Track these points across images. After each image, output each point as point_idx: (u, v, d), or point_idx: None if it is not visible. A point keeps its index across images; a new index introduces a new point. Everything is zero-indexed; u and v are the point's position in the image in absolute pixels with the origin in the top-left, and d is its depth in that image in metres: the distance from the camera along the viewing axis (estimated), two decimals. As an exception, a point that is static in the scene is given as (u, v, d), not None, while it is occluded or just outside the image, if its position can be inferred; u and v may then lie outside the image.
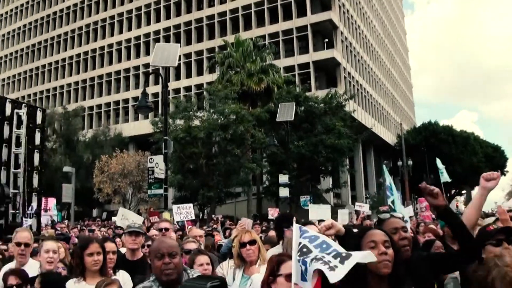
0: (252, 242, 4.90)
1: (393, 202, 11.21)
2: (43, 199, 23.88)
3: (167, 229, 7.28)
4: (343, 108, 38.43)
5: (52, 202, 25.80)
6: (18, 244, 5.41)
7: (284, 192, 28.32)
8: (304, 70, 51.58)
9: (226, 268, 5.24)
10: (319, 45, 53.55)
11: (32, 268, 5.16)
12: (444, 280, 4.35)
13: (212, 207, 32.68)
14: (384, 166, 19.81)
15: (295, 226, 2.88)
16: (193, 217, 14.01)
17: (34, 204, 14.57)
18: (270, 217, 21.80)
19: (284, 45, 53.80)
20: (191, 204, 13.78)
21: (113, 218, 31.44)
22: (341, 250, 2.66)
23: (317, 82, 52.73)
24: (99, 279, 4.22)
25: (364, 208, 19.97)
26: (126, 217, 10.19)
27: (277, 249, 5.47)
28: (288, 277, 2.85)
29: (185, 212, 12.96)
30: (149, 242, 6.42)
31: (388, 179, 12.08)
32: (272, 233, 7.98)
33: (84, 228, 21.72)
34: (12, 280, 4.37)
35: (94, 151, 48.75)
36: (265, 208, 32.60)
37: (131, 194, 43.45)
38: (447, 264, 3.40)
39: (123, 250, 6.35)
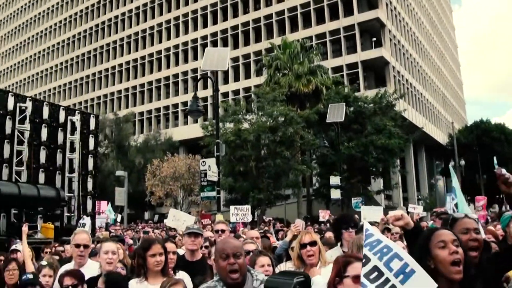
0: (313, 243, 4.79)
1: (456, 205, 10.83)
2: (97, 202, 24.46)
3: (223, 231, 7.34)
4: (393, 107, 37.82)
5: (104, 205, 26.37)
6: (77, 245, 5.45)
7: (335, 194, 27.95)
8: (352, 70, 51.02)
9: (284, 269, 5.16)
10: (367, 44, 52.92)
11: (91, 268, 5.20)
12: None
13: (262, 209, 32.64)
14: (450, 167, 19.27)
15: (367, 227, 2.75)
16: (250, 219, 14.04)
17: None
18: (321, 219, 21.61)
19: (332, 46, 53.36)
20: (248, 206, 13.81)
21: (165, 221, 31.92)
22: (403, 258, 2.50)
23: (366, 82, 52.11)
24: (161, 279, 4.23)
25: (418, 210, 19.48)
26: (177, 218, 10.26)
27: (335, 251, 5.35)
28: (356, 278, 2.73)
29: (241, 213, 13.03)
30: (206, 244, 6.42)
31: (455, 180, 11.62)
32: (328, 234, 7.86)
33: (138, 230, 22.03)
34: (68, 281, 4.41)
35: (146, 155, 49.61)
36: (315, 210, 32.34)
37: (182, 197, 43.93)
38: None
39: (179, 251, 6.35)
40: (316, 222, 22.90)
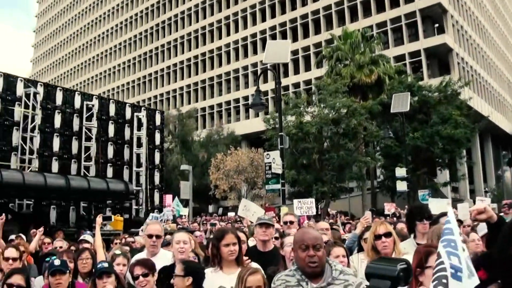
0: (388, 234, 4.69)
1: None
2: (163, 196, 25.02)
3: (292, 222, 7.29)
4: (459, 96, 36.60)
5: (170, 198, 26.88)
6: (150, 236, 5.56)
7: (401, 186, 27.34)
8: (415, 58, 49.76)
9: (356, 262, 5.10)
10: (429, 31, 51.36)
11: (163, 258, 5.29)
12: None
13: (326, 202, 32.31)
14: None
15: (451, 216, 2.64)
16: (314, 212, 13.96)
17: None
18: (386, 212, 21.23)
19: (393, 34, 52.20)
20: (312, 199, 13.72)
21: (229, 214, 32.20)
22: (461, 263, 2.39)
23: (429, 70, 50.69)
24: (235, 268, 4.25)
25: (486, 202, 18.77)
26: (248, 208, 10.36)
27: (408, 243, 5.22)
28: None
29: (306, 207, 12.95)
30: (276, 235, 6.40)
31: None
32: (400, 225, 7.69)
33: (205, 222, 22.30)
34: (138, 270, 4.45)
35: (209, 149, 50.38)
36: (380, 203, 31.82)
37: (246, 190, 44.17)
38: None
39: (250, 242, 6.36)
40: (381, 215, 22.53)
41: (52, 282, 4.51)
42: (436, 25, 51.10)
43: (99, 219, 7.55)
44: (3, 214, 8.43)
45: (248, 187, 44.16)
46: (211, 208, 53.70)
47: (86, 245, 7.33)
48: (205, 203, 52.68)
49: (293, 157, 32.11)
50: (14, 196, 17.87)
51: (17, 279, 4.20)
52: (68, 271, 4.66)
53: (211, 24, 67.22)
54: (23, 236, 9.19)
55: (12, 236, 9.29)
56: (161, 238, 5.72)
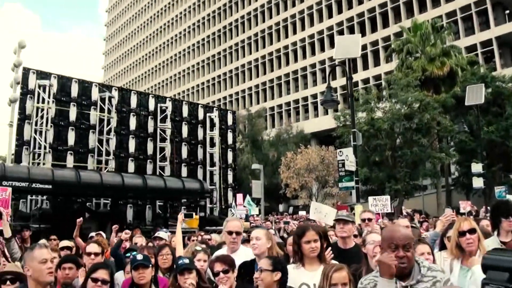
0: (472, 230, 4.48)
1: None
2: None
3: (370, 220, 7.26)
4: (534, 86, 34.79)
5: (240, 197, 27.10)
6: (230, 232, 5.57)
7: (478, 182, 26.24)
8: (486, 47, 47.56)
9: (439, 260, 4.90)
10: (500, 18, 48.80)
11: (243, 254, 5.30)
12: None
13: (400, 200, 31.56)
14: None
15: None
16: (389, 210, 13.72)
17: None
18: (461, 210, 20.51)
19: (463, 23, 50.11)
20: (387, 197, 13.51)
21: (300, 212, 32.04)
22: None
23: (502, 60, 48.35)
24: (317, 265, 4.21)
25: None
26: (319, 211, 10.23)
27: (491, 240, 5.01)
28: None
29: (381, 204, 12.78)
30: (355, 232, 6.29)
31: None
32: (484, 222, 7.40)
33: (277, 221, 22.33)
34: (219, 267, 4.45)
35: (279, 148, 50.34)
36: (455, 201, 30.83)
37: (317, 189, 43.86)
38: None
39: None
40: (457, 213, 21.77)
41: (135, 276, 4.58)
42: (507, 11, 48.79)
43: (180, 216, 7.70)
44: (81, 217, 8.75)
45: (319, 186, 43.83)
46: (281, 207, 53.68)
47: (162, 242, 7.45)
48: (275, 202, 52.70)
49: (365, 154, 31.61)
50: (92, 195, 18.59)
51: (101, 274, 4.29)
52: (151, 265, 4.74)
53: (278, 23, 67.23)
54: (103, 234, 9.47)
55: (92, 234, 9.63)
56: (241, 235, 5.72)
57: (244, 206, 23.20)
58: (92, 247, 5.94)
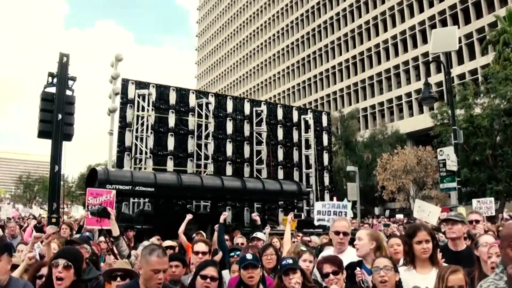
0: None
1: None
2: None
3: (477, 221, 7.10)
4: None
5: (334, 200, 26.83)
6: (337, 232, 5.51)
7: None
8: None
9: None
10: None
11: (350, 255, 5.20)
12: None
13: (501, 203, 29.84)
14: None
15: None
16: (493, 213, 13.13)
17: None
18: None
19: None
20: (491, 199, 12.98)
21: (397, 216, 31.28)
22: None
23: None
24: (429, 268, 4.14)
25: None
26: (422, 209, 9.98)
27: None
28: None
29: (485, 207, 12.34)
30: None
31: None
32: None
33: (376, 224, 21.96)
34: (328, 268, 4.40)
35: (373, 150, 49.42)
36: None
37: (414, 191, 42.50)
38: None
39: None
40: None
41: (244, 275, 4.63)
42: None
43: (290, 216, 7.79)
44: (182, 218, 9.05)
45: (417, 188, 42.44)
46: (377, 210, 52.65)
47: (259, 243, 7.51)
48: (371, 205, 51.74)
49: (464, 153, 30.20)
50: (193, 197, 19.10)
51: (210, 271, 4.44)
52: (260, 265, 4.78)
53: (367, 22, 66.03)
54: (203, 233, 9.73)
55: (194, 234, 9.92)
56: (348, 235, 5.63)
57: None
58: (200, 246, 6.16)
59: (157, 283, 3.76)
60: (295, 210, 20.63)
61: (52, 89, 17.01)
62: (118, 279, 4.57)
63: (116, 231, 6.48)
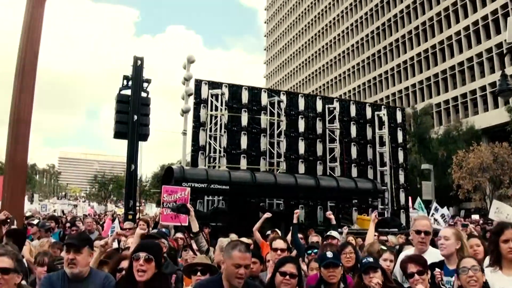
0: None
1: None
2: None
3: None
4: None
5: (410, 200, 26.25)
6: (418, 232, 5.36)
7: None
8: None
9: None
10: None
11: (432, 255, 5.03)
12: None
13: None
14: None
15: None
16: None
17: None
18: None
19: None
20: None
21: (473, 216, 30.27)
22: None
23: None
24: None
25: None
26: (500, 211, 9.58)
27: None
28: None
29: None
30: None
31: None
32: None
33: (452, 224, 21.30)
34: (413, 268, 4.31)
35: (448, 147, 47.90)
36: None
37: (491, 190, 40.87)
38: None
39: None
40: None
41: (325, 273, 4.60)
42: None
43: (373, 215, 7.77)
44: (255, 216, 9.13)
45: (493, 187, 40.72)
46: (451, 210, 51.02)
47: (334, 241, 7.46)
48: (445, 204, 49.95)
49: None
50: (266, 195, 19.20)
51: (290, 268, 4.40)
52: (341, 264, 4.74)
53: (439, 14, 63.84)
54: (278, 231, 9.76)
55: (268, 232, 9.97)
56: (430, 235, 5.47)
57: (414, 209, 22.42)
58: (279, 243, 6.28)
59: (238, 278, 3.78)
60: (370, 210, 20.38)
61: (127, 92, 17.67)
62: (198, 273, 4.70)
63: (195, 227, 6.61)
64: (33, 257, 6.53)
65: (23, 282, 4.09)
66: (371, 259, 4.60)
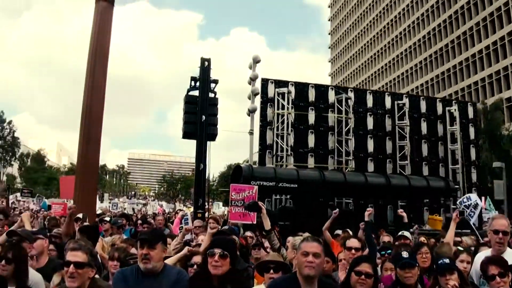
0: None
1: None
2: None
3: None
4: None
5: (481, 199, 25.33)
6: (496, 232, 5.28)
7: None
8: None
9: None
10: None
11: (511, 256, 4.92)
12: None
13: None
14: None
15: None
16: None
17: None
18: None
19: None
20: None
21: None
22: None
23: None
24: None
25: None
26: None
27: None
28: None
29: None
30: None
31: None
32: None
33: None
34: (494, 270, 4.26)
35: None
36: None
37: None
38: None
39: None
40: None
41: (401, 275, 4.60)
42: None
43: (454, 214, 7.76)
44: (338, 209, 9.11)
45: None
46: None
47: (407, 242, 7.38)
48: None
49: None
50: (335, 194, 19.07)
51: (365, 267, 4.44)
52: (417, 265, 4.72)
53: (506, 4, 61.02)
54: (349, 231, 9.76)
55: (338, 231, 9.95)
56: (508, 235, 5.34)
57: (485, 209, 21.72)
58: (353, 242, 6.37)
59: (307, 265, 3.79)
60: (442, 210, 19.91)
61: (195, 93, 18.04)
62: (271, 271, 4.74)
63: (267, 225, 6.70)
64: (105, 253, 6.80)
65: (97, 276, 4.29)
66: (447, 260, 4.57)
